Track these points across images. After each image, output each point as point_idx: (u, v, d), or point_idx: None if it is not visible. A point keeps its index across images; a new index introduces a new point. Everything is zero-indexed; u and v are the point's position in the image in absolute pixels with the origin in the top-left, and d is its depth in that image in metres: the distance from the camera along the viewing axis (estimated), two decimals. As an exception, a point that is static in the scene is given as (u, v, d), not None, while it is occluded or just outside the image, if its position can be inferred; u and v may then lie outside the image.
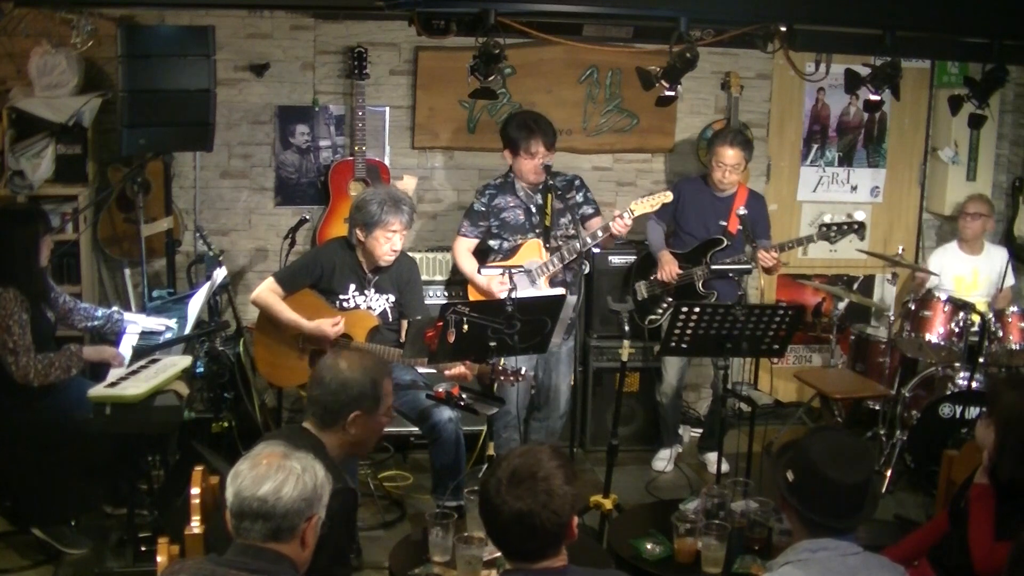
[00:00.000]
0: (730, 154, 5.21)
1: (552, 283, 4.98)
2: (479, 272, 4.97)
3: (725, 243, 5.25)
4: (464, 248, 5.14)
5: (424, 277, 5.38)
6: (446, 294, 5.47)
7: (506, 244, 5.08)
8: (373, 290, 4.68)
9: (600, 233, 4.87)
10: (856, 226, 5.16)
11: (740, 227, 4.98)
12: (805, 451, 2.51)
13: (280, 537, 2.29)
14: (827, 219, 5.15)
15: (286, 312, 4.55)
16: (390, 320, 4.70)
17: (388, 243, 4.55)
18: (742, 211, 4.98)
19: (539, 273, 4.93)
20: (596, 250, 5.34)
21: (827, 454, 2.48)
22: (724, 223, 5.31)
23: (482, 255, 5.14)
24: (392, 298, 4.70)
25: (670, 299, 5.30)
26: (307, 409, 3.03)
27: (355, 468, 4.45)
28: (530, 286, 4.86)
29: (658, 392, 5.54)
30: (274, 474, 2.29)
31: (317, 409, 2.95)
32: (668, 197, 4.95)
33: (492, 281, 4.93)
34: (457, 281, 5.40)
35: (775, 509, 3.35)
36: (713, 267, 5.13)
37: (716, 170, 5.26)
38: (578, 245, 4.88)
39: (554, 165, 5.02)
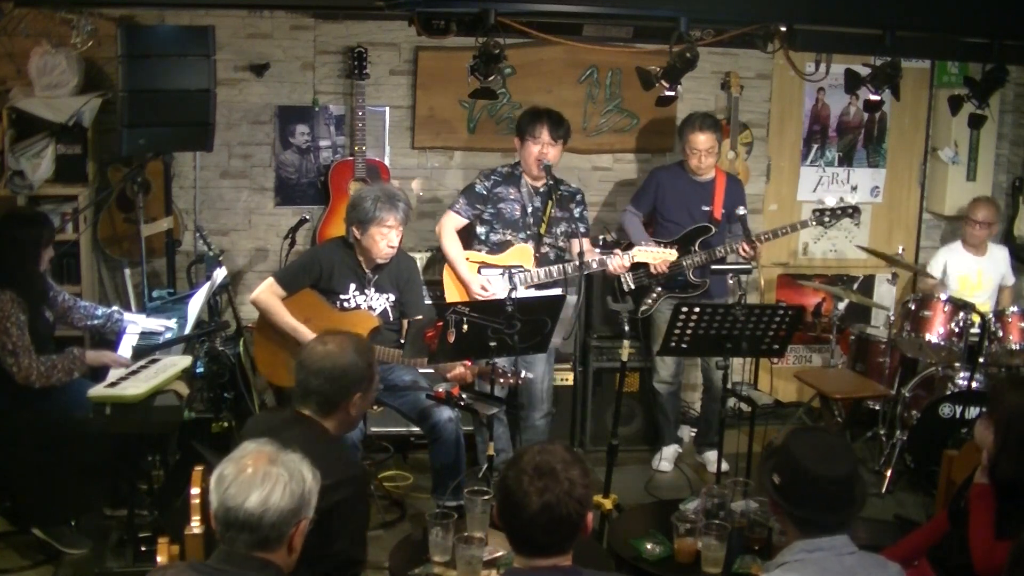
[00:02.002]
0: (702, 139, 5.20)
1: (543, 286, 4.98)
2: (480, 272, 4.97)
3: (713, 230, 5.25)
4: (451, 225, 5.07)
5: (424, 277, 5.38)
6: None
7: (494, 236, 5.05)
8: (373, 289, 4.68)
9: (595, 266, 4.89)
10: (851, 211, 5.18)
11: (739, 225, 4.99)
12: (788, 452, 2.51)
13: (268, 547, 2.23)
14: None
15: (285, 317, 4.54)
16: (391, 320, 4.70)
17: (384, 240, 4.54)
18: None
19: (521, 281, 4.92)
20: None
21: (810, 452, 2.48)
22: (708, 208, 5.31)
23: (466, 239, 5.11)
24: (392, 297, 4.70)
25: (660, 288, 5.30)
26: (301, 398, 2.99)
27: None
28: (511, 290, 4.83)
29: (655, 379, 5.52)
30: (260, 483, 2.20)
31: (318, 399, 2.95)
32: (673, 256, 4.98)
33: (474, 282, 4.93)
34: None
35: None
36: (714, 268, 5.13)
37: (691, 157, 5.26)
38: (569, 268, 4.90)
39: (556, 166, 5.02)
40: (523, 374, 4.16)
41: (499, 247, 5.04)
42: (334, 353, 2.95)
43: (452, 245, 5.06)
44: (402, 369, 4.69)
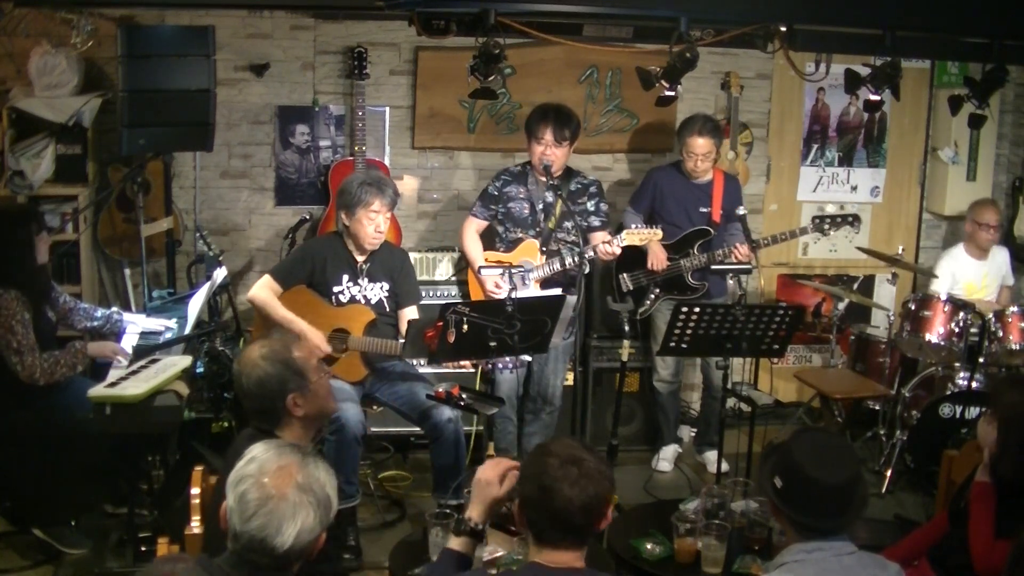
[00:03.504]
0: (700, 143, 5.18)
1: (547, 284, 4.98)
2: (479, 272, 4.98)
3: (712, 233, 5.24)
4: (471, 229, 5.17)
5: (425, 277, 5.40)
6: (459, 293, 5.43)
7: (509, 235, 5.11)
8: (367, 279, 4.67)
9: (589, 253, 4.86)
10: (851, 218, 5.17)
11: (740, 225, 4.98)
12: (790, 454, 2.50)
13: (288, 568, 2.17)
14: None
15: (280, 311, 4.53)
16: (387, 310, 4.69)
17: (371, 224, 4.54)
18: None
19: (530, 276, 4.93)
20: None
21: (812, 456, 2.47)
22: (706, 210, 5.30)
23: (492, 240, 5.17)
24: (387, 286, 4.70)
25: (658, 290, 5.30)
26: (249, 420, 3.07)
27: (355, 466, 4.45)
28: (520, 286, 4.84)
29: (655, 379, 5.51)
30: (292, 516, 2.08)
31: (257, 417, 3.02)
32: (659, 235, 4.96)
33: (488, 280, 4.95)
34: (465, 281, 5.37)
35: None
36: (713, 267, 5.12)
37: (688, 160, 5.24)
38: (575, 260, 4.88)
39: (556, 169, 5.00)
40: (521, 357, 4.16)
41: (513, 245, 5.08)
42: (247, 369, 3.00)
43: (470, 245, 5.14)
44: (405, 363, 4.70)
